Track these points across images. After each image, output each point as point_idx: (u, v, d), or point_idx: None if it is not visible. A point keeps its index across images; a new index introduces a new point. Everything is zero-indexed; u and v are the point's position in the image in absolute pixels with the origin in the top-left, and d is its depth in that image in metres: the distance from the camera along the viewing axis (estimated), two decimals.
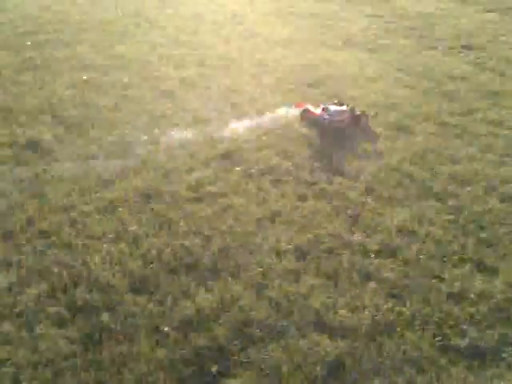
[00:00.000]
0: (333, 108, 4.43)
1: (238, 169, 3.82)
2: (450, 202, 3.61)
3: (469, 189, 3.77)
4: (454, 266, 3.03)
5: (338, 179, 3.82)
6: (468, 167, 4.04)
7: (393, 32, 7.28)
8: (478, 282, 2.90)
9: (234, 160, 3.93)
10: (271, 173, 3.82)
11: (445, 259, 3.08)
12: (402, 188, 3.77)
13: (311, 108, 4.51)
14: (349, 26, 7.35)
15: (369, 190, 3.73)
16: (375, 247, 3.15)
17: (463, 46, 6.96)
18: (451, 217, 3.47)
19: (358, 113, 4.49)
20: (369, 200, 3.62)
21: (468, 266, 3.02)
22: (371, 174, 3.90)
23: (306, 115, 4.51)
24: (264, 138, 4.27)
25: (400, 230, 3.31)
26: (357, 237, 3.23)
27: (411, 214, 3.48)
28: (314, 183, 3.75)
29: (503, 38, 7.55)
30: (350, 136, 4.38)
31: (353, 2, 8.66)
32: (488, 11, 9.31)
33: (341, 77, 5.59)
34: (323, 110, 4.43)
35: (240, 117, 4.58)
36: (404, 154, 4.19)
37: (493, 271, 3.00)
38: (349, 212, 3.45)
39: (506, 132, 4.67)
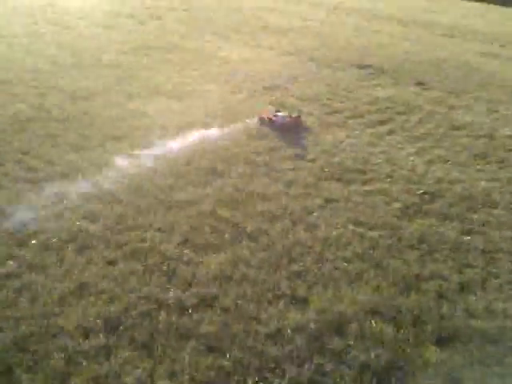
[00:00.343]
0: (280, 114, 6.21)
1: (33, 242, 3.47)
2: (263, 240, 3.79)
3: (278, 224, 4.02)
4: (270, 303, 3.15)
5: (151, 234, 3.73)
6: (276, 203, 4.33)
7: (199, 78, 7.64)
8: (293, 316, 3.04)
9: (27, 232, 3.56)
10: (75, 240, 3.56)
11: (261, 299, 3.18)
12: (217, 233, 3.85)
13: (266, 116, 6.19)
14: (155, 75, 7.48)
15: (184, 241, 3.72)
16: (193, 301, 3.11)
17: (265, 88, 7.63)
18: (265, 254, 3.64)
19: (294, 116, 6.27)
20: (185, 251, 3.61)
21: (282, 302, 3.17)
22: (186, 223, 3.91)
23: (264, 122, 6.11)
24: (65, 201, 3.99)
25: (217, 278, 3.34)
26: (173, 294, 3.16)
27: (227, 258, 3.55)
28: (125, 244, 3.60)
29: (301, 79, 8.52)
30: None
31: (155, 51, 8.90)
32: (286, 54, 10.48)
33: (150, 127, 5.60)
34: (275, 116, 6.15)
35: (36, 182, 4.22)
36: (217, 198, 4.31)
37: (304, 302, 3.20)
38: None
39: (308, 165, 5.17)
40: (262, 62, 9.33)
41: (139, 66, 7.93)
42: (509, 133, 6.96)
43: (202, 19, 13.63)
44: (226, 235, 3.83)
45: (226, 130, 5.77)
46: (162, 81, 7.27)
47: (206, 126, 5.81)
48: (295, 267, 3.52)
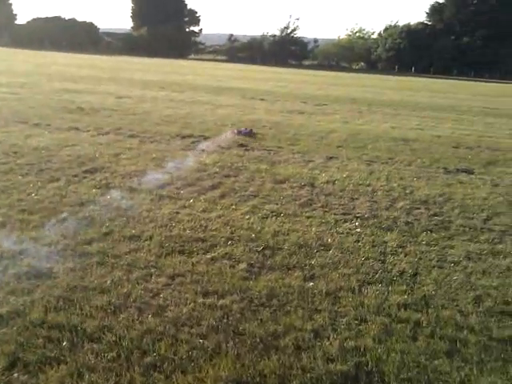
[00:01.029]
0: (242, 129, 11.18)
1: None
2: (107, 338, 3.48)
3: (122, 316, 3.75)
4: None
5: None
6: (117, 293, 4.05)
7: (9, 172, 7.02)
8: None
9: None
10: None
11: None
12: (52, 344, 3.41)
13: (236, 131, 11.04)
14: None
15: (13, 363, 3.21)
16: None
17: (86, 171, 7.35)
18: (113, 354, 3.33)
19: (248, 129, 11.19)
20: (15, 375, 3.10)
21: None
22: (12, 340, 3.39)
23: (235, 133, 10.76)
24: None
25: None
26: None
27: (68, 370, 3.15)
28: None
29: (124, 157, 8.44)
30: None
31: None
32: (104, 133, 10.33)
33: None
34: (240, 129, 11.17)
35: None
36: (47, 303, 3.86)
37: None
38: None
39: (146, 244, 5.01)
40: (79, 145, 9.04)
41: None
42: (326, 178, 7.82)
43: (5, 108, 12.82)
44: (64, 343, 3.42)
45: (46, 223, 5.32)
46: None
47: (22, 223, 5.29)
48: (149, 359, 3.29)
